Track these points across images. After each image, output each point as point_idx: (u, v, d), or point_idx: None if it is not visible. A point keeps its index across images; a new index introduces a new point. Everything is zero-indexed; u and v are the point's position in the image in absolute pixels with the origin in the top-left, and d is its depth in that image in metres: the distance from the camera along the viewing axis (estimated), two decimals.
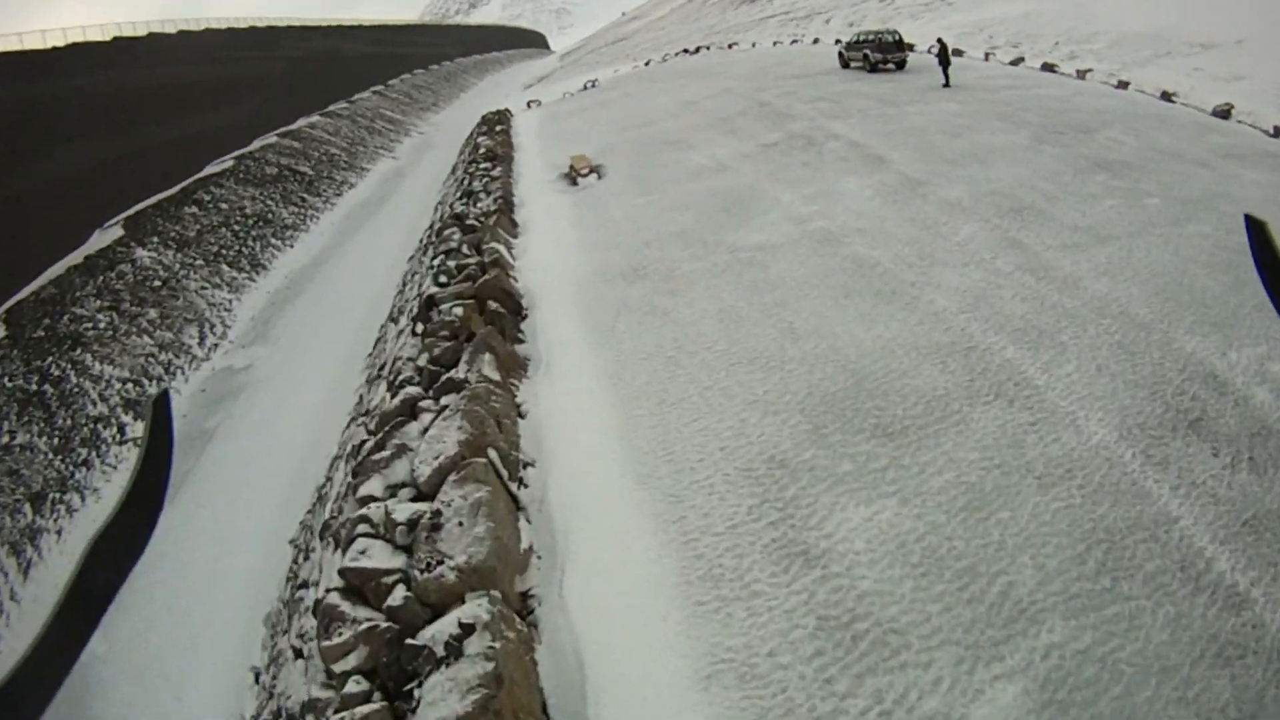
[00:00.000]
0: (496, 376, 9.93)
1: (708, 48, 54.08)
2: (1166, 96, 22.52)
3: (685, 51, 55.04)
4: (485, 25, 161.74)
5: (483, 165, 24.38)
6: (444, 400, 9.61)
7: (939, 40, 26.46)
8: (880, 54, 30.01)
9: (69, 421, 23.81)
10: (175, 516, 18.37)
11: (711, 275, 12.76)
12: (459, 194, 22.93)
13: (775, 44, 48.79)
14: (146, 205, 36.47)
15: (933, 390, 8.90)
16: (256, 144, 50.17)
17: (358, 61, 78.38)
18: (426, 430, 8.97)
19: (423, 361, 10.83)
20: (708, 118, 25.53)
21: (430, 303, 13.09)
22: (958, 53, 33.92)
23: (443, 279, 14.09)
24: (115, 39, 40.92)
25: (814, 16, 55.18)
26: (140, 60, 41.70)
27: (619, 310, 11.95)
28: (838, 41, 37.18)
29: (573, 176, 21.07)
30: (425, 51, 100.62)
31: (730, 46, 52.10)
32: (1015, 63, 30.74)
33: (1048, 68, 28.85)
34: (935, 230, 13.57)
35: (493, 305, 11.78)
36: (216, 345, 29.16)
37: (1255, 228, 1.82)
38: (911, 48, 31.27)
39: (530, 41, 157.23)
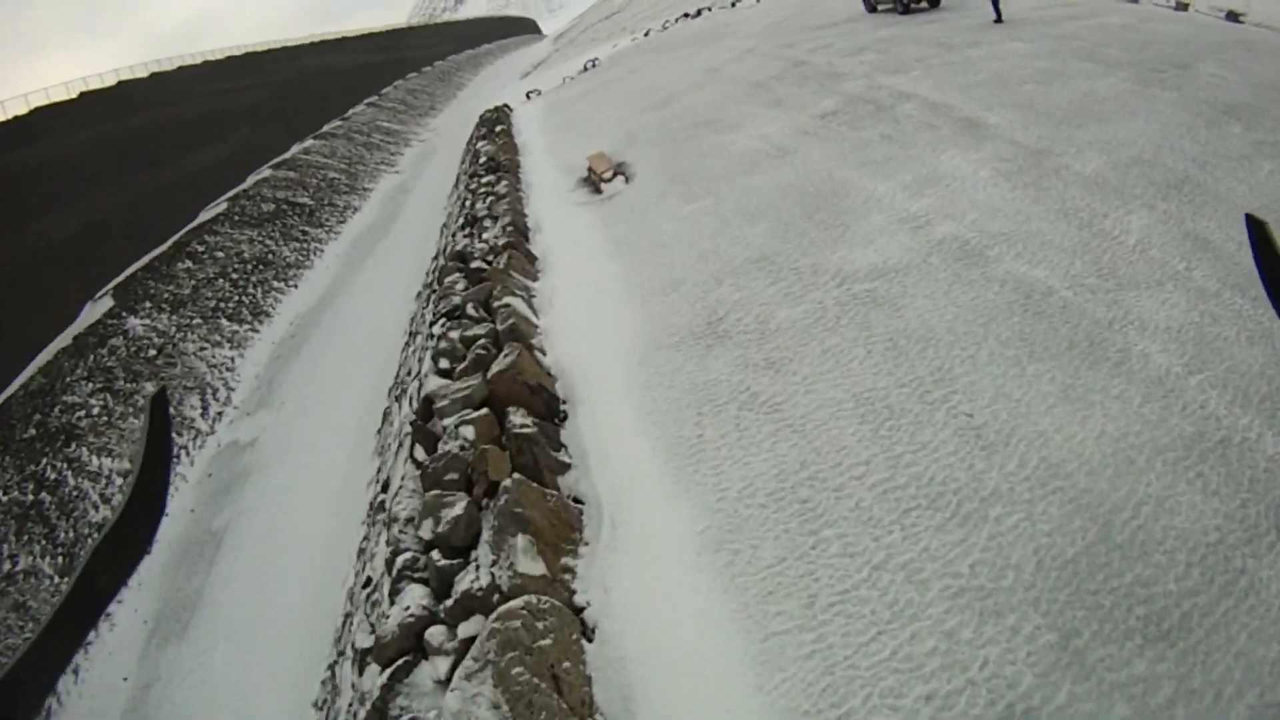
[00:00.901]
0: (539, 570, 6.04)
1: (709, 9, 49.06)
2: (1233, 16, 19.42)
3: (686, 16, 50.04)
4: (474, 19, 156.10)
5: (485, 179, 20.35)
6: (463, 629, 5.80)
7: None
8: None
9: (71, 534, 20.56)
10: (188, 653, 15.38)
11: (823, 327, 8.67)
12: (460, 221, 18.95)
13: None
14: (137, 268, 33.04)
15: (1201, 534, 5.31)
16: (250, 180, 46.64)
17: (349, 75, 74.63)
18: (445, 685, 5.31)
19: (426, 532, 6.97)
20: (739, 86, 21.12)
21: (429, 407, 9.23)
22: None
23: (444, 363, 10.20)
24: (81, 94, 37.46)
25: None
26: (113, 112, 38.31)
27: (701, 406, 7.89)
28: None
29: (594, 182, 17.00)
30: (417, 54, 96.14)
31: (734, 4, 47.16)
32: None
33: None
34: (1098, 228, 9.58)
35: (517, 420, 7.83)
36: (220, 414, 25.63)
37: (1255, 227, 1.74)
38: None
39: (521, 29, 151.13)
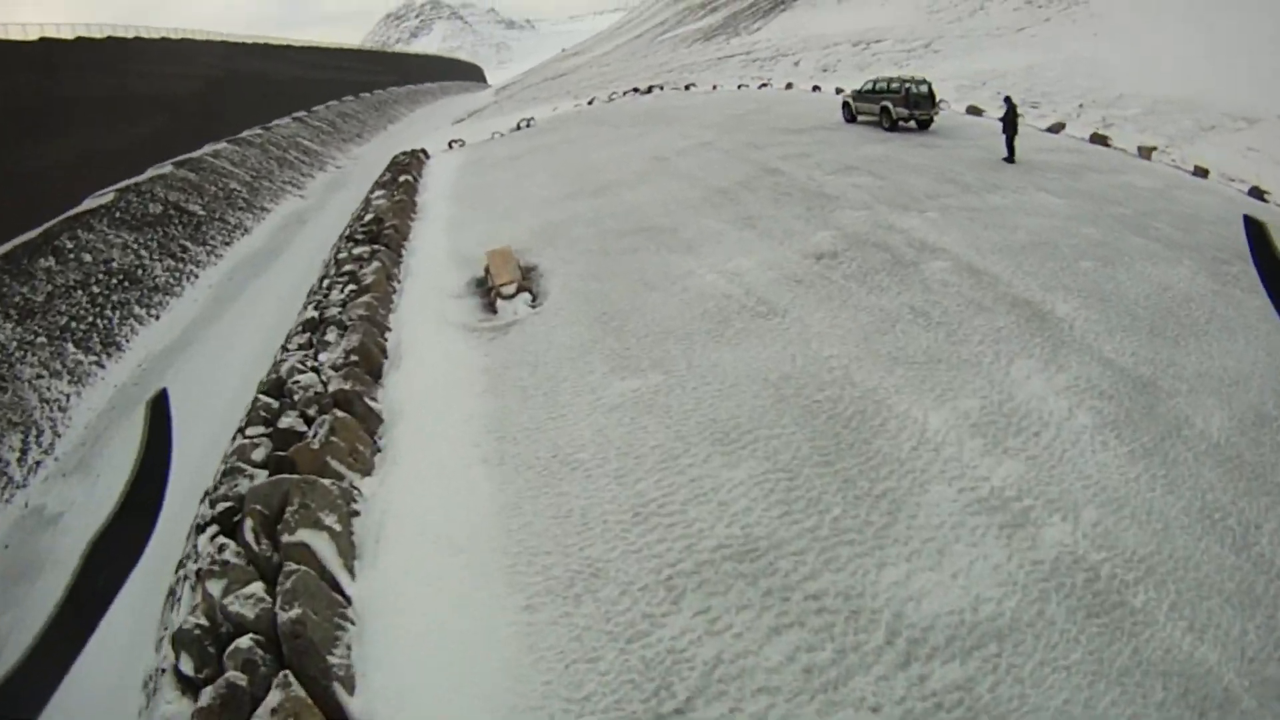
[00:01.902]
0: None
1: (660, 87, 45.35)
2: (1259, 193, 17.74)
3: (635, 91, 46.17)
4: (423, 55, 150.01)
5: (357, 252, 14.92)
6: None
7: (1007, 100, 18.38)
8: (905, 108, 21.93)
9: None
10: None
11: None
12: (307, 314, 13.33)
13: (740, 87, 40.43)
14: None
15: None
16: (149, 173, 39.64)
17: (284, 84, 67.82)
18: None
19: None
20: (697, 187, 16.51)
21: None
22: (974, 111, 26.06)
23: (186, 667, 4.81)
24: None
25: (779, 59, 47.14)
26: (32, 66, 32.39)
27: None
28: (840, 90, 29.19)
29: (491, 296, 11.89)
30: (358, 78, 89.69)
31: (687, 88, 43.55)
32: (1055, 129, 23.26)
33: (1099, 140, 21.78)
34: (1255, 553, 5.97)
35: None
36: (39, 464, 19.54)
37: (1254, 228, 1.65)
38: (942, 104, 23.20)
39: (467, 74, 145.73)
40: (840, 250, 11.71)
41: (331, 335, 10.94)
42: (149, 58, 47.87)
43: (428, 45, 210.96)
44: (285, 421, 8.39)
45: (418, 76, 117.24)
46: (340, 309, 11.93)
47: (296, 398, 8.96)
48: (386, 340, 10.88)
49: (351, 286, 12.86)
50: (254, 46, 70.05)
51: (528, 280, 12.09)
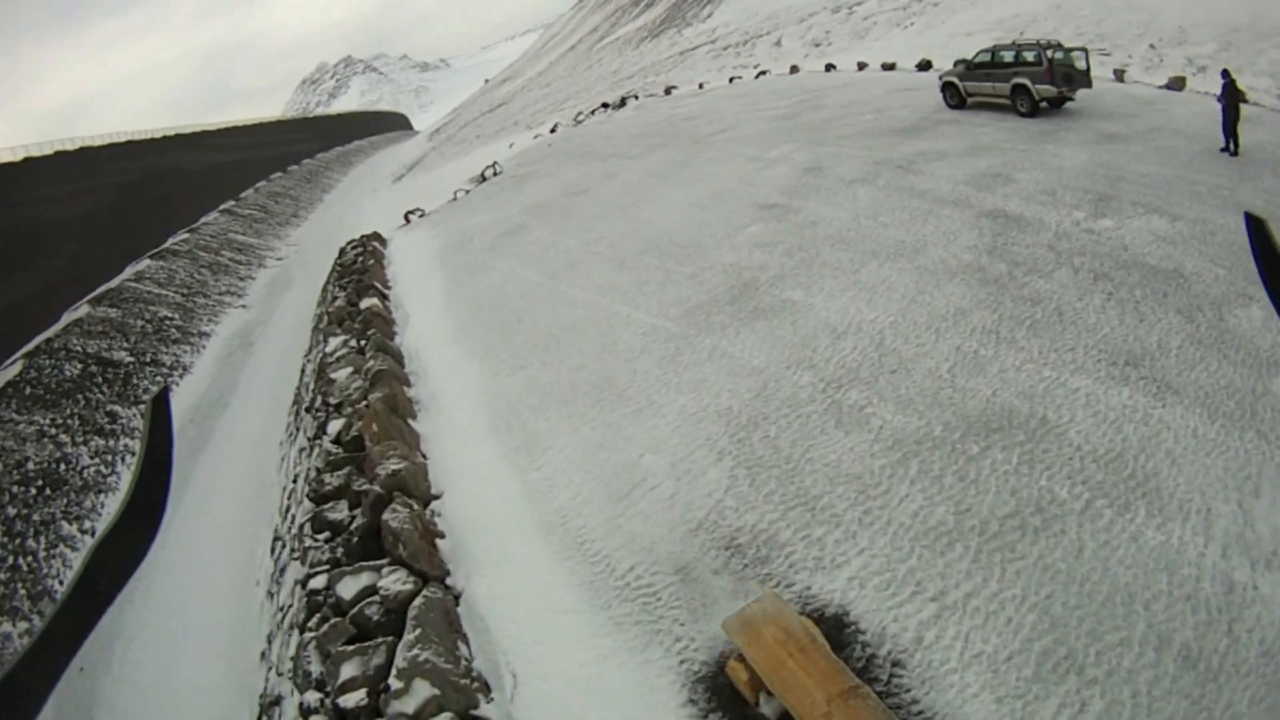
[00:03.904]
0: None
1: (635, 97, 37.47)
2: None
3: (605, 106, 38.22)
4: (345, 113, 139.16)
5: (323, 553, 6.96)
6: None
7: (1225, 74, 12.57)
8: (1052, 84, 15.38)
9: None
10: None
11: None
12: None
13: (733, 80, 32.88)
14: None
15: None
16: (63, 321, 31.25)
17: (203, 175, 59.07)
18: None
19: None
20: (927, 274, 8.97)
21: None
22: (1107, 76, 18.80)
23: None
24: None
25: (754, 42, 39.51)
26: None
27: None
28: (927, 65, 22.06)
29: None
30: (284, 151, 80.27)
31: (668, 91, 35.82)
32: (1176, 84, 17.09)
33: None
34: None
35: None
36: None
37: (1255, 225, 1.50)
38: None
39: (393, 124, 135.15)
40: None
41: None
42: (45, 178, 39.35)
43: (348, 103, 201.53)
44: None
45: (344, 136, 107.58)
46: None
47: None
48: None
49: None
50: (167, 140, 61.04)
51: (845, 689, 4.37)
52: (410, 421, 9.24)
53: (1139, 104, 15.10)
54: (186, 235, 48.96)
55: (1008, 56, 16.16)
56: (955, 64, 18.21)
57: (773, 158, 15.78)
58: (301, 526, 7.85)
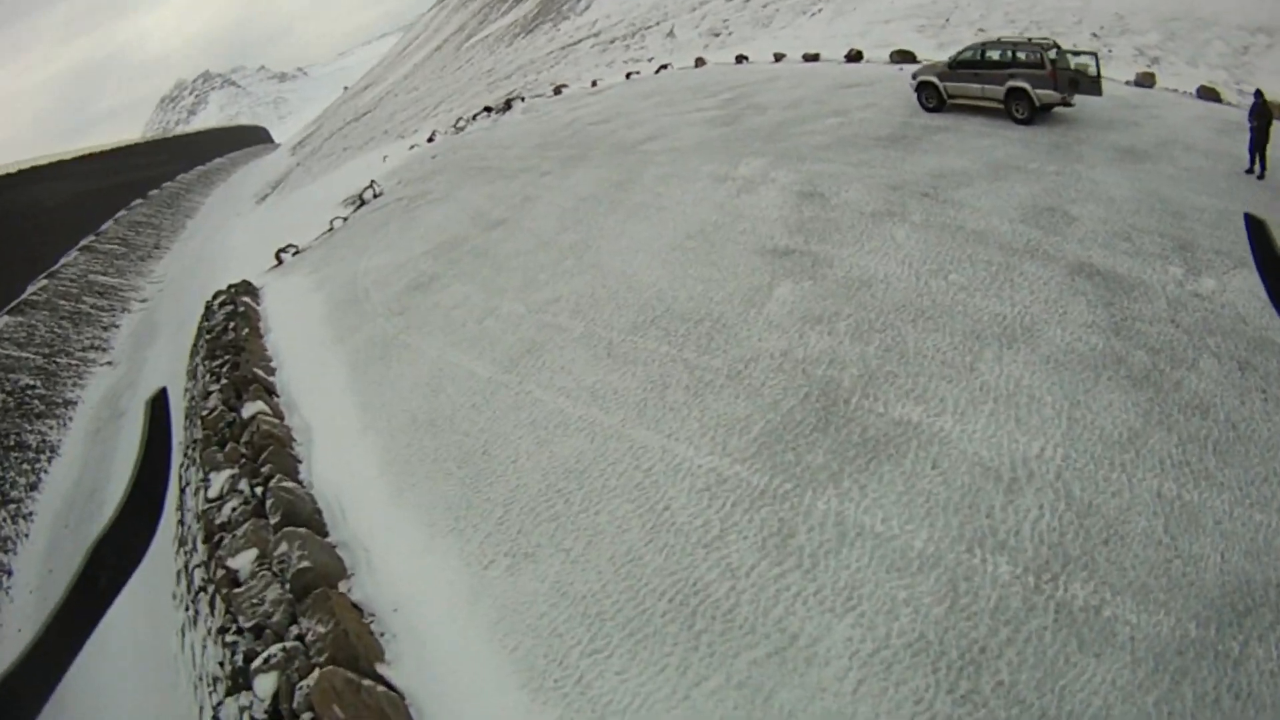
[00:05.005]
0: None
1: (521, 99, 34.15)
2: None
3: (488, 111, 34.68)
4: (204, 130, 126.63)
5: None
6: None
7: (1258, 94, 11.46)
8: (1055, 89, 13.79)
9: None
10: None
11: None
12: None
13: (629, 76, 30.23)
14: None
15: None
16: None
17: (64, 209, 51.29)
18: None
19: None
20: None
21: None
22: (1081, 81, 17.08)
23: None
24: None
25: (642, 33, 36.86)
26: None
27: None
28: (896, 59, 20.12)
29: None
30: (144, 175, 71.36)
31: (558, 90, 32.75)
32: (1145, 81, 16.71)
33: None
34: None
35: None
36: None
37: (1255, 227, 1.48)
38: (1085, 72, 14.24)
39: (253, 139, 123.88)
40: None
41: None
42: None
43: (208, 119, 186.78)
44: None
45: (205, 155, 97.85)
46: None
47: None
48: None
49: None
50: (23, 174, 52.75)
51: None
52: (382, 671, 5.94)
53: (1125, 106, 13.75)
54: (46, 281, 42.20)
55: (1000, 56, 14.40)
56: (939, 64, 16.30)
57: (746, 177, 13.20)
58: None
